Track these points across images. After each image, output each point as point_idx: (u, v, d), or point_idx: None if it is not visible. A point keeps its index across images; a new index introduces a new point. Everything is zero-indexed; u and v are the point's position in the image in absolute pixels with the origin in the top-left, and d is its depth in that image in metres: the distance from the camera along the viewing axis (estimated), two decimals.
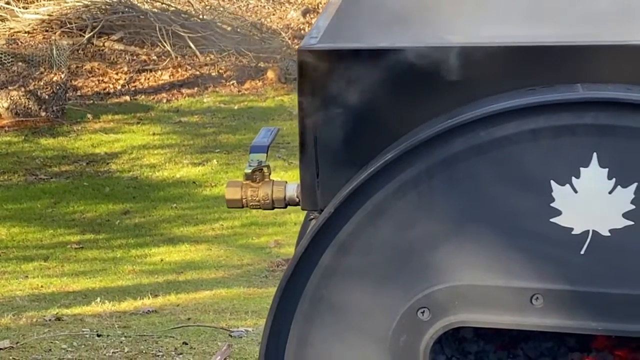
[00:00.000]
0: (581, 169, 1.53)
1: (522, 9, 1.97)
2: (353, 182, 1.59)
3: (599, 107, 1.54)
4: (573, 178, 1.53)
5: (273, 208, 1.77)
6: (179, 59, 11.49)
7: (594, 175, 1.53)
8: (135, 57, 11.61)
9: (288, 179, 2.02)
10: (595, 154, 1.53)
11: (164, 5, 12.36)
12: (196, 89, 11.14)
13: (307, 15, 13.42)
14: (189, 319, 5.40)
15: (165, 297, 5.86)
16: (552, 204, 1.55)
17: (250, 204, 1.74)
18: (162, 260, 7.06)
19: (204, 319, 5.23)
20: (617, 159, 1.54)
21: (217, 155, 9.35)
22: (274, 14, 13.00)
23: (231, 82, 11.39)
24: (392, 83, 1.63)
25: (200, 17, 12.32)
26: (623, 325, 1.59)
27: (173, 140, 9.92)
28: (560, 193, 1.54)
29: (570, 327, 1.60)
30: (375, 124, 1.65)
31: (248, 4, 13.39)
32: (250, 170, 1.75)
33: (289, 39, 12.33)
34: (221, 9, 12.89)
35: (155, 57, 11.63)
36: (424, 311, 1.60)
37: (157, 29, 11.55)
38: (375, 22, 2.00)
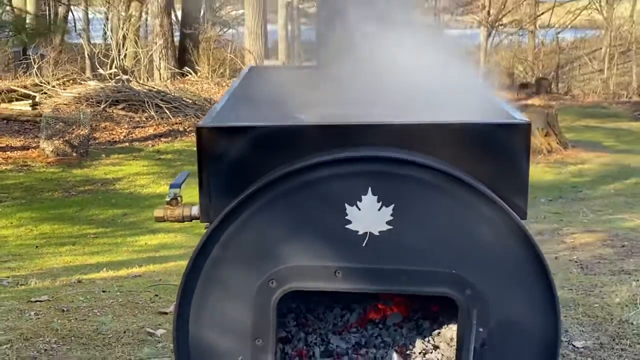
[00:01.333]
0: (362, 196, 1.96)
1: (348, 96, 2.30)
2: (229, 206, 1.97)
3: (371, 160, 1.97)
4: (357, 202, 1.96)
5: (184, 221, 2.14)
6: (159, 120, 13.88)
7: (369, 200, 1.96)
8: (132, 119, 14.00)
9: None
10: (370, 187, 1.96)
11: (150, 87, 15.02)
12: (170, 138, 12.86)
13: None
14: (160, 280, 6.26)
15: (146, 266, 6.68)
16: (346, 217, 1.98)
17: (170, 219, 2.14)
18: (146, 243, 8.02)
19: (169, 279, 5.98)
20: (383, 190, 1.96)
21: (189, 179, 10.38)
22: (219, 92, 14.81)
23: (192, 134, 13.07)
24: (252, 147, 2.01)
25: (173, 94, 15.02)
26: (389, 287, 2.04)
27: (155, 170, 11.57)
28: (350, 210, 1.97)
29: (359, 289, 2.03)
30: (243, 171, 2.02)
31: (202, 87, 16.23)
32: (169, 199, 2.14)
33: None
34: (186, 89, 15.64)
35: (144, 119, 14.01)
36: (273, 282, 2.01)
37: (146, 102, 14.20)
38: (252, 105, 2.36)
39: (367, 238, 1.99)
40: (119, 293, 5.97)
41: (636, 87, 17.37)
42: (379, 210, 1.97)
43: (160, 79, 17.39)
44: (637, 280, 6.08)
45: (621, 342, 4.76)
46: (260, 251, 2.02)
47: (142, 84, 15.48)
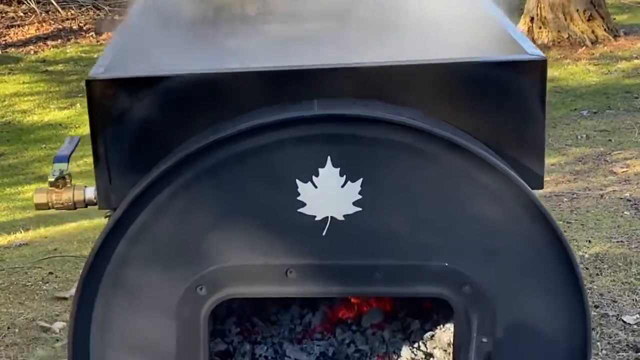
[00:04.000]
0: (319, 169, 1.99)
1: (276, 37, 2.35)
2: (138, 187, 1.99)
3: (329, 120, 1.99)
4: (313, 177, 1.99)
5: (75, 208, 2.17)
6: (43, 15, 13.36)
7: (329, 174, 1.99)
8: (4, 15, 13.46)
9: None
10: (329, 157, 1.98)
11: None
12: (60, 40, 12.38)
13: None
14: (55, 249, 6.23)
15: (35, 230, 6.73)
16: (298, 198, 2.00)
17: (56, 206, 2.15)
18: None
19: (69, 248, 5.89)
20: (346, 160, 1.99)
21: (80, 99, 10.13)
22: None
23: (90, 34, 12.21)
24: (165, 104, 2.02)
25: None
26: (359, 288, 2.11)
27: (41, 88, 11.22)
28: (304, 189, 2.00)
29: (318, 292, 2.11)
30: (154, 139, 2.04)
31: None
32: (53, 179, 2.15)
33: None
34: None
35: (22, 14, 13.48)
36: (201, 287, 2.04)
37: None
38: (158, 46, 2.32)
39: (328, 224, 2.03)
40: None
41: None
42: (342, 186, 2.01)
43: None
44: None
45: None
46: (182, 247, 2.06)
47: None
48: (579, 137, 8.79)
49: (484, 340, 2.05)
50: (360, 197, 2.02)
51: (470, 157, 2.01)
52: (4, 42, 12.65)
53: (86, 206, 2.19)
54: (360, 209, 2.03)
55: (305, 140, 2.01)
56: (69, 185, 2.20)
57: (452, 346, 2.24)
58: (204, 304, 2.08)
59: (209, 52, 2.30)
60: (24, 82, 11.29)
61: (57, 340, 4.97)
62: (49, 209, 2.20)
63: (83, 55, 12.25)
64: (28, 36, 12.92)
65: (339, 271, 2.07)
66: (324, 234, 2.04)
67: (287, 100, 2.06)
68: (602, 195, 7.15)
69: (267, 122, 1.99)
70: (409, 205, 2.05)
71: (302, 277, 2.07)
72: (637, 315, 4.92)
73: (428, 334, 2.56)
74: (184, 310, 2.08)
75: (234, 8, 2.59)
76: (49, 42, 12.67)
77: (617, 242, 6.02)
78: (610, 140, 8.64)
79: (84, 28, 13.15)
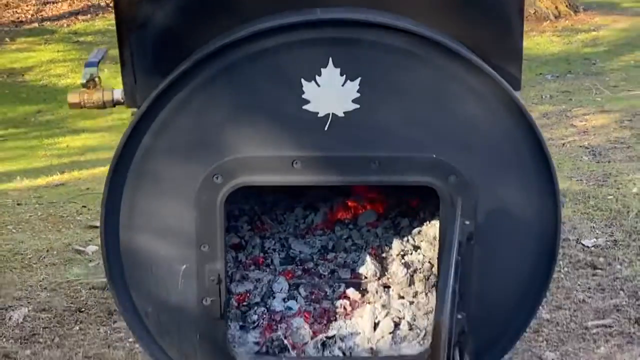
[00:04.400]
0: (322, 69, 1.94)
1: None
2: (160, 86, 1.93)
3: (332, 24, 1.93)
4: (316, 76, 1.94)
5: (105, 107, 2.12)
6: None
7: (330, 73, 1.94)
8: None
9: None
10: (331, 58, 1.93)
11: None
12: (89, 15, 12.32)
13: None
14: (87, 188, 6.24)
15: (70, 173, 6.71)
16: (303, 96, 1.96)
17: (87, 105, 2.11)
18: (67, 146, 7.98)
19: (100, 188, 5.94)
20: (346, 61, 1.94)
21: (107, 65, 9.96)
22: None
23: None
24: (185, 11, 1.98)
25: None
26: (357, 178, 2.06)
27: (73, 56, 11.19)
28: (308, 87, 1.95)
29: (320, 181, 2.05)
30: (174, 43, 2.00)
31: None
32: (85, 80, 2.10)
33: None
34: None
35: None
36: (217, 177, 2.00)
37: None
38: None
39: (329, 120, 1.99)
40: (37, 206, 5.96)
41: None
42: (342, 85, 1.97)
43: None
44: None
45: (639, 238, 4.90)
46: (201, 140, 2.01)
47: None
48: (544, 97, 8.78)
49: (467, 222, 2.02)
50: (358, 95, 1.98)
51: (459, 60, 1.96)
52: (40, 17, 12.60)
53: (114, 105, 2.15)
54: (358, 106, 1.98)
55: (309, 43, 1.96)
56: (98, 87, 2.14)
57: (437, 238, 2.20)
58: (220, 191, 2.04)
59: None
60: (58, 51, 11.26)
61: (90, 261, 4.95)
62: (82, 108, 2.14)
63: (110, 28, 12.12)
64: (61, 11, 12.87)
65: (339, 162, 2.03)
66: (326, 128, 2.00)
67: (294, 7, 2.02)
68: (563, 144, 7.13)
69: (275, 25, 1.94)
70: (403, 103, 2.00)
71: (306, 168, 2.03)
72: (594, 239, 4.90)
73: (416, 230, 2.55)
74: (202, 197, 2.04)
75: None
76: (80, 17, 12.65)
77: (577, 180, 6.00)
78: (570, 99, 8.62)
79: (110, 4, 13.07)
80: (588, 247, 4.83)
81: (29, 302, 4.42)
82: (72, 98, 2.12)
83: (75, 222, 5.66)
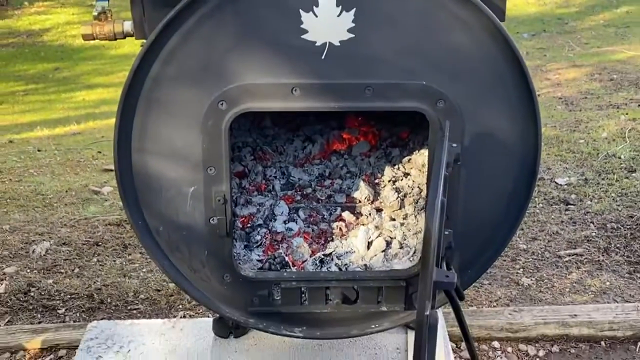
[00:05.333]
0: (319, 0, 1.89)
1: None
2: (168, 16, 1.88)
3: None
4: (314, 6, 1.90)
5: (116, 39, 2.06)
6: None
7: (327, 4, 1.89)
8: None
9: None
10: None
11: None
12: None
13: None
14: (102, 136, 6.36)
15: (86, 124, 6.87)
16: (301, 26, 1.91)
17: (99, 37, 2.06)
18: (83, 99, 8.19)
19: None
20: None
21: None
22: None
23: None
24: None
25: None
26: (353, 103, 2.01)
27: (87, 18, 11.68)
28: (306, 18, 1.91)
29: (319, 107, 2.00)
30: None
31: None
32: (96, 13, 2.05)
33: None
34: None
35: None
36: (222, 103, 1.97)
37: None
38: None
39: (326, 49, 1.94)
40: (56, 152, 5.98)
41: None
42: (338, 16, 1.92)
43: None
44: (627, 114, 6.22)
45: (607, 176, 4.93)
46: (206, 68, 1.97)
47: None
48: (522, 54, 8.77)
49: (454, 145, 1.98)
50: (353, 25, 1.93)
51: None
52: None
53: (124, 37, 2.09)
54: (353, 35, 1.93)
55: None
56: (110, 19, 2.09)
57: (425, 165, 2.17)
58: (225, 117, 2.00)
59: None
60: (73, 14, 11.18)
61: (106, 200, 4.97)
62: (94, 39, 2.09)
63: None
64: None
65: (335, 89, 1.99)
66: (323, 57, 1.95)
67: None
68: (539, 95, 7.12)
69: None
70: (394, 33, 1.95)
71: (305, 94, 1.99)
72: (567, 178, 4.93)
73: (406, 158, 2.53)
74: (208, 122, 2.01)
75: None
76: None
77: (551, 126, 6.03)
78: (545, 55, 8.61)
79: None
80: (561, 185, 4.86)
81: (50, 237, 4.44)
82: (85, 30, 2.08)
83: (91, 166, 5.68)
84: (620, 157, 5.21)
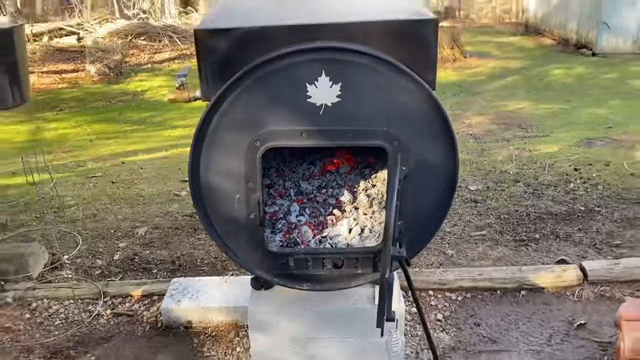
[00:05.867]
0: (318, 77, 1.90)
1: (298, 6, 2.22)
2: (222, 87, 1.91)
3: (324, 50, 1.89)
4: (315, 81, 1.90)
5: (190, 101, 2.07)
6: (172, 47, 13.21)
7: (323, 80, 1.90)
8: (152, 47, 13.29)
9: None
10: (323, 71, 1.89)
11: (164, 23, 14.36)
12: (180, 60, 12.88)
13: None
14: (181, 160, 6.17)
15: (171, 151, 6.76)
16: (307, 93, 1.92)
17: (180, 100, 2.04)
18: (169, 135, 7.97)
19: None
20: (333, 72, 1.90)
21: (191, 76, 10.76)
22: None
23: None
24: (236, 43, 1.90)
25: (181, 28, 14.32)
26: (340, 142, 2.00)
27: (172, 83, 11.27)
28: (310, 88, 1.91)
29: (318, 144, 1.98)
30: (231, 61, 1.91)
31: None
32: (178, 84, 2.06)
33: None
34: (190, 24, 14.98)
35: (161, 47, 13.34)
36: (257, 142, 1.97)
37: (161, 34, 13.62)
38: (237, 12, 2.22)
39: (323, 108, 1.94)
40: (152, 169, 5.98)
41: (515, 13, 17.05)
42: (330, 87, 1.92)
43: (171, 16, 16.62)
44: (513, 145, 6.22)
45: (501, 185, 4.93)
46: (247, 119, 1.97)
47: (157, 20, 14.87)
48: (447, 107, 8.77)
49: (404, 168, 1.99)
50: (340, 92, 1.93)
51: (399, 71, 1.91)
52: (152, 61, 12.45)
53: (195, 100, 2.08)
54: (340, 99, 1.94)
55: (311, 61, 1.90)
56: (187, 89, 2.09)
57: (386, 179, 2.17)
58: (258, 151, 2.00)
59: (260, 16, 2.11)
60: (163, 80, 11.12)
61: (183, 200, 4.96)
62: (175, 102, 2.08)
63: (193, 66, 12.16)
64: (164, 58, 12.68)
65: (328, 133, 1.99)
66: (320, 113, 1.95)
67: (302, 40, 1.92)
68: (458, 133, 7.13)
69: (292, 50, 1.89)
70: (366, 97, 1.95)
71: (309, 136, 1.99)
72: (475, 186, 4.92)
73: (373, 175, 2.52)
74: (248, 154, 2.01)
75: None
76: (175, 61, 12.46)
77: (466, 153, 6.01)
78: (462, 107, 8.59)
79: (192, 53, 13.01)
80: (472, 190, 4.85)
81: (147, 224, 4.44)
82: (170, 96, 2.08)
83: (174, 178, 5.67)
84: (509, 173, 5.21)
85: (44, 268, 3.68)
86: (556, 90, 9.31)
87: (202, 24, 2.00)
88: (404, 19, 1.94)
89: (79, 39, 13.33)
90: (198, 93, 2.06)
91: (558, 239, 3.93)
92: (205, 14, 13.39)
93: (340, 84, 1.92)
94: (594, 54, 11.45)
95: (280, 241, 2.26)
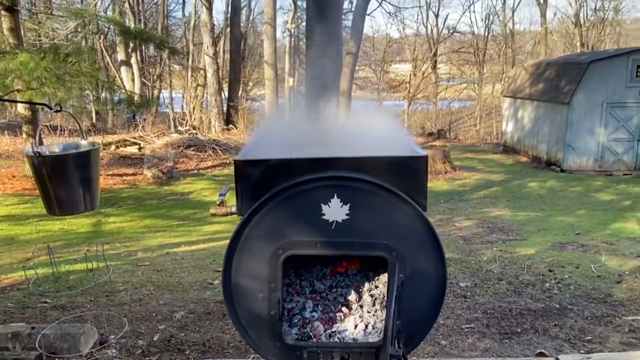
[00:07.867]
0: (331, 199, 1.97)
1: (316, 140, 2.32)
2: (254, 206, 1.98)
3: (336, 178, 1.97)
4: (328, 202, 1.97)
5: (227, 215, 2.13)
6: (215, 157, 13.98)
7: (335, 201, 1.97)
8: (198, 157, 14.09)
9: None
10: (336, 194, 1.97)
11: (209, 137, 15.18)
12: (221, 167, 13.51)
13: None
14: (216, 251, 6.20)
15: (208, 244, 6.71)
16: (322, 211, 1.98)
17: (219, 214, 2.14)
18: (208, 230, 8.05)
19: (222, 251, 6.36)
20: (344, 195, 1.97)
21: (232, 190, 10.86)
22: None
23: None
24: (266, 171, 2.00)
25: (223, 141, 15.07)
26: (348, 252, 2.02)
27: (213, 186, 11.59)
28: (324, 207, 1.98)
29: (330, 253, 2.01)
30: (262, 185, 2.00)
31: (240, 136, 16.69)
32: (219, 202, 2.15)
33: None
34: (231, 138, 15.85)
35: (206, 156, 14.07)
36: (280, 250, 2.01)
37: (207, 146, 14.35)
38: (268, 145, 2.33)
39: (334, 224, 1.99)
40: (191, 259, 5.99)
41: (495, 134, 17.56)
42: (341, 207, 1.98)
43: (215, 132, 17.49)
44: (497, 247, 6.16)
45: (487, 283, 4.83)
46: (272, 232, 2.02)
47: (204, 135, 15.63)
48: (439, 211, 8.77)
49: (401, 275, 2.00)
50: (349, 211, 1.99)
51: (397, 196, 1.98)
52: (198, 168, 12.96)
53: (232, 215, 2.15)
54: (348, 217, 1.99)
55: (325, 186, 1.98)
56: (225, 205, 2.17)
57: (386, 282, 2.16)
58: (280, 257, 2.03)
59: (285, 149, 2.24)
60: (205, 184, 11.47)
61: (215, 288, 4.91)
62: (216, 216, 2.14)
63: (231, 173, 12.55)
64: (208, 165, 13.20)
65: (338, 244, 2.02)
66: (332, 227, 2.00)
67: (320, 170, 2.02)
68: (449, 235, 7.10)
69: (310, 178, 1.98)
70: (370, 216, 2.00)
71: (323, 246, 2.02)
72: (465, 283, 4.82)
73: (375, 278, 2.50)
74: (272, 260, 2.04)
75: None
76: (217, 168, 12.97)
77: (456, 253, 5.95)
78: (452, 212, 8.62)
79: (231, 162, 13.59)
80: (462, 286, 4.76)
81: (184, 308, 4.38)
82: (212, 210, 2.15)
83: (209, 269, 5.65)
84: (493, 272, 5.12)
85: (92, 347, 3.62)
86: (532, 200, 9.36)
87: (240, 155, 2.12)
88: (401, 155, 2.04)
89: (140, 148, 14.03)
90: (234, 209, 2.14)
91: (537, 333, 3.79)
92: (244, 144, 13.91)
93: (349, 204, 1.98)
94: (562, 171, 11.63)
95: (296, 334, 2.21)
